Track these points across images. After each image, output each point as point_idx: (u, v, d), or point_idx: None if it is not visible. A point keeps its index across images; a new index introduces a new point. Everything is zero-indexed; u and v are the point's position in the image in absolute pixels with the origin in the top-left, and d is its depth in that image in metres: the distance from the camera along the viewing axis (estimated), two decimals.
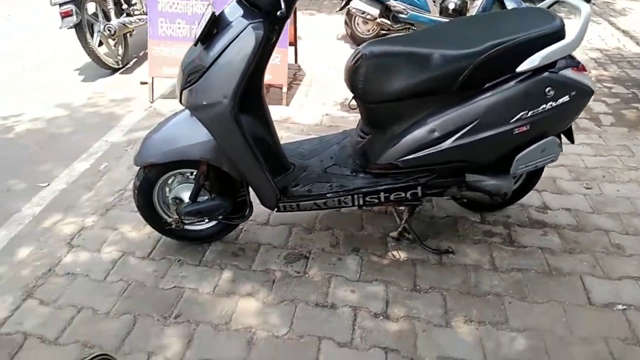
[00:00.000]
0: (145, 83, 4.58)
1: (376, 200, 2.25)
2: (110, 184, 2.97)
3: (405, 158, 2.16)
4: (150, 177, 2.24)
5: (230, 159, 2.10)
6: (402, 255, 2.43)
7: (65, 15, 4.34)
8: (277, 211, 2.27)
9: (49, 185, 3.02)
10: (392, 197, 2.24)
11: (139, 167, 2.24)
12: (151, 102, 4.19)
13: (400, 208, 2.48)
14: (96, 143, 3.52)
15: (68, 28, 4.41)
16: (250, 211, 2.35)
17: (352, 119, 3.95)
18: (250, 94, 2.06)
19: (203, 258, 2.41)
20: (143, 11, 5.19)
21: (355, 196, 2.23)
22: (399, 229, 2.51)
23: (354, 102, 2.32)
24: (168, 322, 2.04)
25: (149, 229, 2.54)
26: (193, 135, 2.10)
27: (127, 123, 3.82)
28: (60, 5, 4.33)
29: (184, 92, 2.05)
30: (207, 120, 2.01)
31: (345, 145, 2.50)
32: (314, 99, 4.36)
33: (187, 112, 2.17)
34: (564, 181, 3.07)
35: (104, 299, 2.14)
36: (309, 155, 2.45)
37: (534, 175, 2.57)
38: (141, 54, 5.40)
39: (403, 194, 2.24)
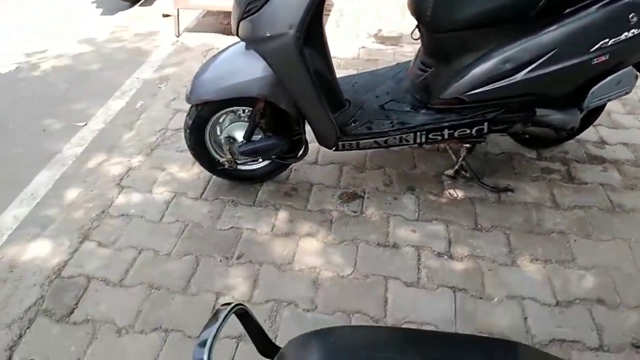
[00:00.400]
0: (168, 15, 4.36)
1: (439, 138, 2.15)
2: (150, 123, 2.88)
3: (473, 92, 2.03)
4: (203, 115, 2.15)
5: (289, 95, 1.99)
6: (459, 193, 2.37)
7: None
8: (334, 150, 2.19)
9: (86, 124, 2.94)
10: (456, 134, 2.14)
11: (191, 105, 2.14)
12: (177, 36, 4.00)
13: (459, 145, 2.38)
14: (127, 80, 3.39)
15: None
16: (306, 150, 2.27)
17: (390, 52, 3.78)
18: (314, 24, 1.91)
19: (256, 198, 2.36)
20: None
21: (418, 133, 2.13)
22: (456, 167, 2.43)
23: (417, 32, 2.16)
24: (231, 263, 2.02)
25: (197, 169, 2.49)
26: (250, 70, 1.98)
27: (156, 59, 3.66)
28: None
29: (241, 23, 1.90)
30: (270, 53, 1.88)
31: (402, 79, 2.37)
32: (346, 31, 4.14)
33: (242, 45, 2.04)
34: (619, 115, 2.94)
35: (163, 240, 2.12)
36: (363, 91, 2.33)
37: (596, 110, 2.44)
38: None
39: (468, 131, 2.14)
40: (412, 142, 2.16)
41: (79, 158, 2.65)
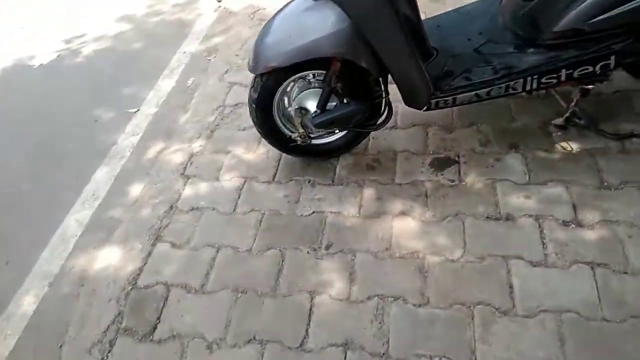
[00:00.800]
0: None
1: (555, 81, 1.78)
2: (206, 101, 2.63)
3: (597, 19, 1.64)
4: (269, 85, 1.86)
5: (372, 49, 1.66)
6: (574, 146, 1.99)
7: None
8: (425, 109, 1.86)
9: (139, 110, 2.73)
10: (576, 73, 1.76)
11: (255, 76, 1.86)
12: (219, 1, 3.68)
13: (571, 87, 1.99)
14: (174, 56, 3.14)
15: None
16: (390, 114, 1.95)
17: None
18: None
19: (335, 175, 2.08)
20: None
21: (528, 79, 1.76)
22: (566, 114, 2.03)
23: None
24: (320, 254, 1.77)
25: (264, 147, 2.23)
26: (321, 26, 1.66)
27: (200, 29, 3.38)
28: None
29: None
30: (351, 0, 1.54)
31: (495, 14, 1.98)
32: None
33: (305, 1, 1.72)
34: None
35: (241, 233, 1.90)
36: (451, 34, 1.96)
37: None
38: None
39: (591, 68, 1.74)
40: (520, 89, 1.80)
41: (137, 148, 2.45)
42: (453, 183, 1.95)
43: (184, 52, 3.15)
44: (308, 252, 1.79)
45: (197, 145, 2.35)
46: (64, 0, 4.24)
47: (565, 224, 1.72)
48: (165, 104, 2.71)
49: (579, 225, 1.71)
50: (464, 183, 1.94)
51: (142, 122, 2.61)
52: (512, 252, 1.66)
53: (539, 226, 1.72)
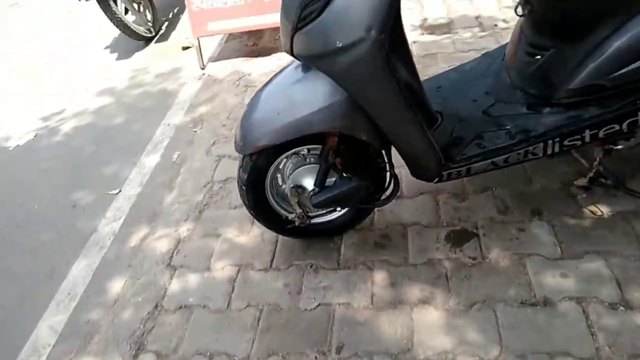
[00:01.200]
0: (188, 48, 3.95)
1: (579, 142, 1.59)
2: (194, 177, 2.43)
3: (619, 72, 1.47)
4: (260, 165, 1.66)
5: (371, 121, 1.47)
6: (604, 209, 1.79)
7: None
8: (437, 181, 1.66)
9: (120, 191, 2.51)
10: (601, 133, 1.57)
11: (243, 155, 1.66)
12: (202, 69, 3.56)
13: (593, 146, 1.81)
14: (158, 129, 2.96)
15: None
16: (397, 187, 1.75)
17: (447, 42, 3.20)
18: (395, 21, 1.40)
19: (340, 257, 1.85)
20: None
21: (549, 142, 1.57)
22: (590, 174, 1.84)
23: (519, 8, 1.62)
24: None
25: (258, 228, 2.01)
26: (314, 98, 1.48)
27: (184, 98, 3.22)
28: None
29: (296, 37, 1.40)
30: (344, 69, 1.36)
31: (499, 71, 1.82)
32: None
33: (296, 67, 1.55)
34: None
35: (237, 336, 1.64)
36: (454, 96, 1.79)
37: None
38: (170, 15, 4.71)
39: (617, 126, 1.56)
40: (541, 154, 1.61)
41: (118, 236, 2.21)
42: (475, 261, 1.72)
43: (169, 124, 2.98)
44: (316, 358, 1.52)
45: (184, 230, 2.12)
46: (42, 75, 4.11)
47: (612, 306, 1.48)
48: (149, 183, 2.50)
49: (629, 307, 1.47)
50: (487, 260, 1.71)
51: (124, 205, 2.39)
52: (558, 347, 1.41)
53: (583, 311, 1.49)
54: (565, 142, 1.59)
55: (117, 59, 4.16)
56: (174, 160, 2.63)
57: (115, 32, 4.24)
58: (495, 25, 3.28)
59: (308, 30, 1.39)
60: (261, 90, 1.71)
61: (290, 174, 1.75)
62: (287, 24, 1.44)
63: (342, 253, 1.86)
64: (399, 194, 2.05)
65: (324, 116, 1.50)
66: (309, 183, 1.73)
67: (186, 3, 3.44)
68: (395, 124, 1.49)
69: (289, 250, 1.92)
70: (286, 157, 1.74)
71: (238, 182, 1.75)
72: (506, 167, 1.67)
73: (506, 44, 1.92)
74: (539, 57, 1.65)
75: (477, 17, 3.42)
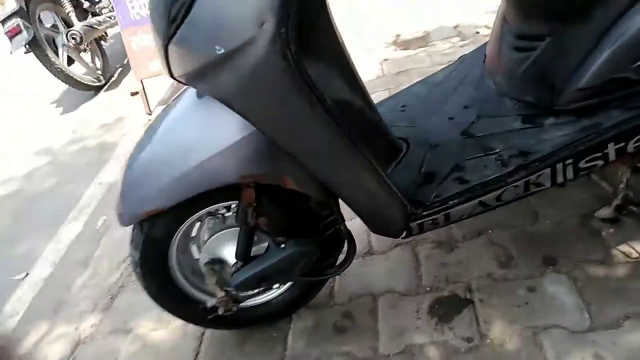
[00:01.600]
0: (137, 93, 3.53)
1: (600, 162, 1.09)
2: (113, 250, 1.93)
3: None
4: (157, 236, 1.17)
5: (297, 161, 1.00)
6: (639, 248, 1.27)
7: (12, 34, 3.28)
8: (405, 236, 1.16)
9: (27, 274, 2.01)
10: (630, 146, 1.08)
11: (132, 227, 1.18)
12: (149, 114, 3.14)
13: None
14: (88, 190, 2.49)
15: (24, 50, 3.38)
16: (353, 247, 1.25)
17: (423, 55, 2.77)
18: (311, 8, 0.94)
19: (286, 352, 1.33)
20: (112, 7, 4.09)
21: (559, 165, 1.08)
22: (616, 202, 1.34)
23: None
24: None
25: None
26: (215, 135, 1.02)
27: (123, 151, 2.76)
28: (2, 22, 3.28)
29: (170, 49, 0.95)
30: (232, 85, 0.90)
31: (480, 78, 1.35)
32: (355, 46, 3.16)
33: (189, 99, 1.10)
34: None
35: None
36: (423, 116, 1.31)
37: None
38: (125, 61, 4.33)
39: None
40: (549, 183, 1.12)
41: (10, 338, 1.70)
42: (471, 343, 1.19)
43: (100, 183, 2.50)
44: None
45: (87, 325, 1.60)
46: None
47: None
48: (63, 262, 2.00)
49: None
50: (488, 341, 1.19)
51: (26, 294, 1.88)
52: None
53: None
54: (582, 164, 1.09)
55: (61, 113, 3.74)
56: (98, 228, 2.14)
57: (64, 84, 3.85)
58: (477, 32, 2.86)
59: (180, 37, 0.93)
60: (148, 130, 1.25)
61: (206, 242, 1.26)
62: (158, 34, 0.98)
63: (289, 346, 1.34)
64: (367, 249, 1.56)
65: (229, 161, 1.03)
66: (229, 254, 1.24)
67: (124, 41, 3.06)
68: (332, 167, 1.01)
69: (218, 346, 1.40)
70: (199, 220, 1.26)
71: (131, 262, 1.25)
72: (501, 206, 1.16)
73: (486, 43, 1.46)
74: (531, 51, 1.18)
75: (455, 27, 3.00)
